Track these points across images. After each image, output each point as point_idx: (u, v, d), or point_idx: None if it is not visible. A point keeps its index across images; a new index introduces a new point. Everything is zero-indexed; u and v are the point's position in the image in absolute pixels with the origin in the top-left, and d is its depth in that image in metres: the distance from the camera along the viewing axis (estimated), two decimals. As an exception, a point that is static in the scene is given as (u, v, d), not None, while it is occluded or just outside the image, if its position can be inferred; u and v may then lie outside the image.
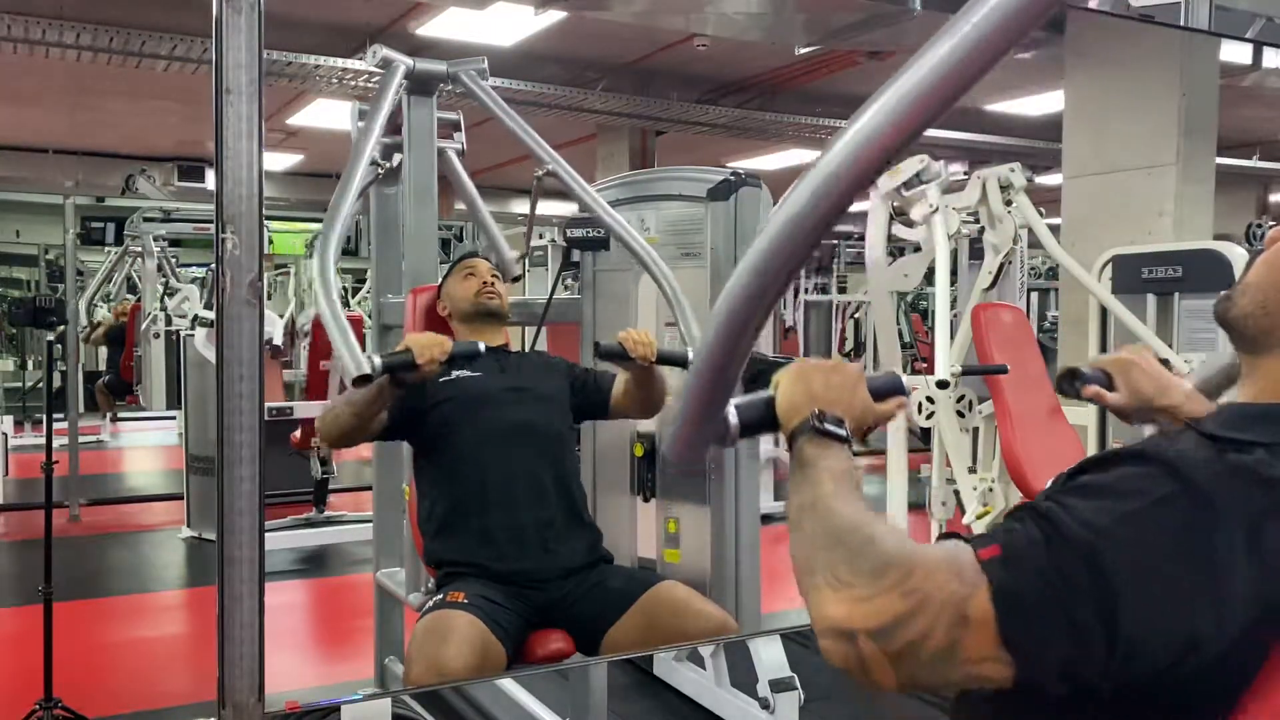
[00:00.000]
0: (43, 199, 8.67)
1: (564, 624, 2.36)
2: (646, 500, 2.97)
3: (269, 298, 6.32)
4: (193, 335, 5.88)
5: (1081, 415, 4.07)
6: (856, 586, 0.80)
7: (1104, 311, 4.34)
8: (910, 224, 4.12)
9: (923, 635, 0.77)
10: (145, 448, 9.76)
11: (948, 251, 3.88)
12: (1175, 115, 4.63)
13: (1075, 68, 5.11)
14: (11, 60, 6.01)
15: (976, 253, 4.34)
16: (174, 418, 8.52)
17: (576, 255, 3.00)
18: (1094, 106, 5.00)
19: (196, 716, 3.11)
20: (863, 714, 3.51)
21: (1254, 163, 9.49)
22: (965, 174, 4.33)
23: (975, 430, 4.03)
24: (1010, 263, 4.13)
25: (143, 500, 7.09)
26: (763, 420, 1.05)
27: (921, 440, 4.92)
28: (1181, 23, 2.48)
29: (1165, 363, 1.41)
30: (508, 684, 3.30)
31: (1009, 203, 4.05)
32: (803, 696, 3.02)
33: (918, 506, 4.46)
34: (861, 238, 4.43)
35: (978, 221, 4.18)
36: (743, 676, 3.21)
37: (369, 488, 3.32)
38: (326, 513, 5.58)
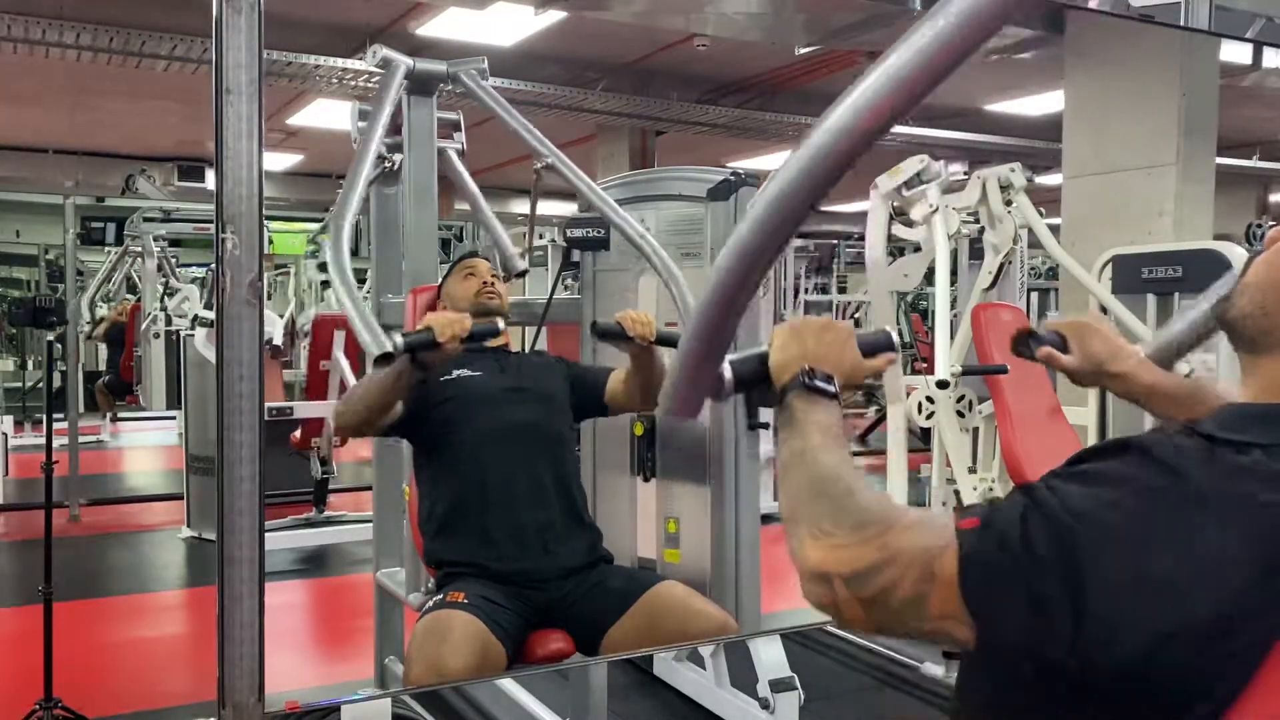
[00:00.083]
0: (43, 199, 8.69)
1: (564, 624, 2.36)
2: (647, 480, 2.96)
3: (269, 298, 6.33)
4: (193, 335, 5.89)
5: (1081, 415, 4.07)
6: (837, 535, 0.86)
7: (1104, 311, 4.34)
8: (910, 224, 4.12)
9: (893, 584, 0.82)
10: (145, 448, 9.76)
11: (948, 251, 3.87)
12: (1175, 115, 4.62)
13: (1075, 68, 5.10)
14: (11, 60, 6.01)
15: (976, 253, 4.33)
16: (174, 418, 8.52)
17: (576, 255, 3.01)
18: (1094, 106, 4.99)
19: (196, 716, 3.11)
20: (863, 714, 3.51)
21: (1254, 163, 9.49)
22: (965, 174, 4.33)
23: (975, 430, 4.03)
24: (1010, 263, 4.13)
25: (143, 500, 7.08)
26: (756, 375, 1.09)
27: (921, 440, 4.92)
28: (1181, 23, 2.47)
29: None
30: (508, 684, 3.31)
31: (1009, 203, 4.05)
32: (803, 696, 3.02)
33: (918, 506, 4.45)
34: (861, 238, 4.43)
35: (978, 221, 4.17)
36: (743, 676, 3.22)
37: (369, 488, 3.32)
38: (326, 513, 5.59)
